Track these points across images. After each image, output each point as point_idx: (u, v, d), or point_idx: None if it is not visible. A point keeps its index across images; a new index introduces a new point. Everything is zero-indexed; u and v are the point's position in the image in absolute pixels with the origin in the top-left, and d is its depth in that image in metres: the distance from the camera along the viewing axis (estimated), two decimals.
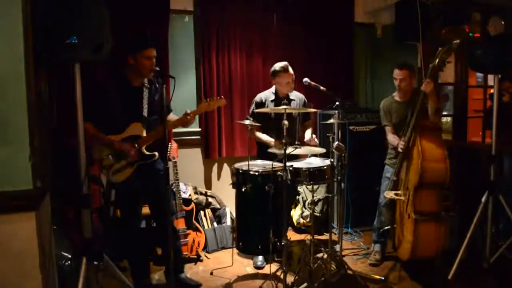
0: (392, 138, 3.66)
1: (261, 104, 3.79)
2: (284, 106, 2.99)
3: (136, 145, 2.96)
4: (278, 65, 3.72)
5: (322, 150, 3.38)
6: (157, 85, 3.09)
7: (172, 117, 3.24)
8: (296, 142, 3.54)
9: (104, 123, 2.96)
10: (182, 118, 3.05)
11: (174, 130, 4.18)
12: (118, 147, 2.92)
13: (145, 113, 3.02)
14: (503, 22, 4.21)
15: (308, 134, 3.80)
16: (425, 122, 3.37)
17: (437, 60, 3.24)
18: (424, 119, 3.38)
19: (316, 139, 3.71)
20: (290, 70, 3.71)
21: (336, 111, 3.45)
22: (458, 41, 3.20)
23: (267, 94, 3.86)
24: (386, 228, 3.73)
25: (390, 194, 3.47)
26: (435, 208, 3.37)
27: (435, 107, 3.38)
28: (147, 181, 3.04)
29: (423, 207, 3.32)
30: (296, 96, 3.90)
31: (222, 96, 3.16)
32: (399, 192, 3.47)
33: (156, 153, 3.05)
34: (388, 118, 3.75)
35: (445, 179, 3.29)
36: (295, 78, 3.77)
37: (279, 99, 3.75)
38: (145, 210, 3.28)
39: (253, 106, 3.85)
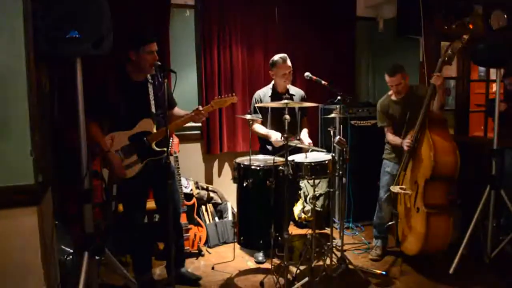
0: (393, 138, 3.65)
1: (259, 102, 3.79)
2: (286, 101, 2.98)
3: (123, 166, 2.93)
4: (277, 56, 3.74)
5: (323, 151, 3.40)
6: (160, 80, 3.07)
7: (178, 111, 3.23)
8: (297, 137, 3.54)
9: (113, 120, 2.96)
10: (194, 115, 3.02)
11: None
12: (110, 160, 2.89)
13: (153, 109, 3.00)
14: (505, 16, 4.19)
15: (304, 134, 3.78)
16: (433, 116, 3.37)
17: (447, 55, 3.23)
18: (430, 113, 3.37)
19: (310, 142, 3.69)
20: (288, 62, 3.70)
21: (337, 106, 3.44)
22: (467, 36, 3.19)
23: (265, 91, 3.85)
24: (389, 223, 3.73)
25: (396, 189, 3.46)
26: (444, 201, 3.37)
27: (441, 100, 3.38)
28: (154, 177, 3.03)
29: (434, 200, 3.32)
30: (296, 91, 3.89)
31: (234, 94, 3.15)
32: (404, 186, 3.47)
33: (166, 149, 3.03)
34: (385, 119, 3.73)
35: (455, 172, 3.29)
36: (297, 73, 3.74)
37: (277, 94, 3.74)
38: (148, 204, 3.28)
39: (253, 102, 3.85)
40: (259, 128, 3.76)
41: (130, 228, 3.16)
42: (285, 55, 3.73)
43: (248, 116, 3.37)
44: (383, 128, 3.77)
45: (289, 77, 3.74)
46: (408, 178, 3.48)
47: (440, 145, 3.25)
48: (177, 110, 3.23)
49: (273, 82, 3.84)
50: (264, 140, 3.81)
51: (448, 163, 3.25)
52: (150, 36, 2.95)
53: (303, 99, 3.86)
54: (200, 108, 3.03)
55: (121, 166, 2.92)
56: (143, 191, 3.14)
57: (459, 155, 3.28)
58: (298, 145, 3.32)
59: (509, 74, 3.86)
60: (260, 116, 3.71)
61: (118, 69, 3.02)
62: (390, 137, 3.69)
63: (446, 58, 3.25)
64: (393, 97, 3.69)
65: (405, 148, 3.43)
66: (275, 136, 3.57)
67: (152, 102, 3.00)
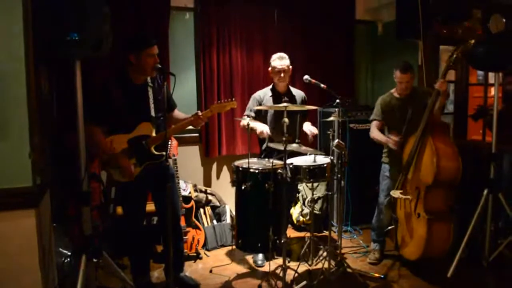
0: (377, 134, 3.66)
1: (260, 102, 3.80)
2: (285, 104, 2.98)
3: (132, 163, 2.92)
4: (275, 54, 3.75)
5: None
6: (159, 82, 3.07)
7: (178, 114, 3.23)
8: (297, 140, 3.54)
9: (112, 123, 2.94)
10: (193, 120, 3.00)
11: None
12: (118, 161, 2.88)
13: (152, 113, 2.99)
14: (504, 20, 4.20)
15: (306, 125, 3.79)
16: (435, 121, 3.37)
17: (452, 59, 3.24)
18: (432, 119, 3.37)
19: (315, 129, 3.70)
20: (285, 61, 3.70)
21: (336, 109, 3.44)
22: (473, 40, 3.20)
23: (265, 91, 3.86)
24: (389, 228, 3.73)
25: (396, 194, 3.46)
26: (445, 206, 3.36)
27: (443, 103, 3.40)
28: (153, 180, 3.03)
29: (435, 206, 3.31)
30: (297, 92, 3.89)
31: (233, 99, 3.14)
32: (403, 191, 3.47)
33: (164, 153, 3.02)
34: (380, 114, 3.73)
35: (457, 178, 3.28)
36: (296, 76, 3.73)
37: (277, 95, 3.75)
38: (147, 207, 3.27)
39: (252, 102, 3.85)
40: (251, 124, 3.73)
41: (128, 231, 3.15)
42: (283, 54, 3.73)
43: (247, 119, 3.37)
44: (372, 122, 3.78)
45: (285, 76, 3.72)
46: (408, 183, 3.47)
47: (443, 150, 3.24)
48: (177, 113, 3.22)
49: (272, 84, 3.84)
50: (260, 141, 3.82)
51: (450, 169, 3.25)
52: (151, 39, 2.94)
53: (303, 101, 3.87)
54: (199, 113, 3.03)
55: (129, 166, 2.90)
56: (142, 194, 3.13)
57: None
58: (296, 150, 3.32)
59: (509, 73, 3.87)
60: (253, 114, 3.72)
61: (118, 71, 3.01)
62: (375, 133, 3.69)
63: (451, 63, 3.26)
64: (396, 95, 3.71)
65: (392, 147, 3.46)
66: (261, 129, 3.59)
67: (152, 106, 2.99)
